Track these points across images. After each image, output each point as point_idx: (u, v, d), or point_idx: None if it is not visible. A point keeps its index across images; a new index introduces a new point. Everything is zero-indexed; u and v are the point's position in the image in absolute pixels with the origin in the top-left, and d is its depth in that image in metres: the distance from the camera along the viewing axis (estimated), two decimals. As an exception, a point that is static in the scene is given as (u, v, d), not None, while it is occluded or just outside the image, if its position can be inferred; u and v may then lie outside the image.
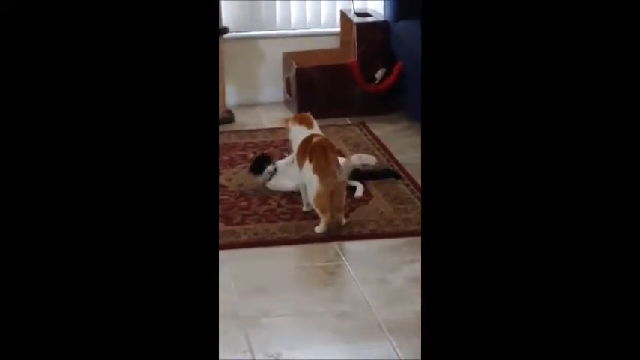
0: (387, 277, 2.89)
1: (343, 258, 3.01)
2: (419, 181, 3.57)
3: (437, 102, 1.57)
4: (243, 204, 3.42)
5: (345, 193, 3.19)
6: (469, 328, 1.55)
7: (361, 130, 4.22)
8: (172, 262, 1.55)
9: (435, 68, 1.57)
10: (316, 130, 3.28)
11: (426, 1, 1.59)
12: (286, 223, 3.25)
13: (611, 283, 1.52)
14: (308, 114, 3.38)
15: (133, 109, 1.56)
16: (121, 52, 1.56)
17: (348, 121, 4.31)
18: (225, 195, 3.48)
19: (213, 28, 1.62)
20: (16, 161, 1.55)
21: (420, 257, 2.90)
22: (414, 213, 3.31)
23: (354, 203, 3.40)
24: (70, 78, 1.56)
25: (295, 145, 3.28)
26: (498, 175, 1.55)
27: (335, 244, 3.10)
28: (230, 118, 4.36)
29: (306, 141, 3.22)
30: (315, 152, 3.14)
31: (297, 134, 3.28)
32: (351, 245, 3.11)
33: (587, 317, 1.53)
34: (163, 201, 1.56)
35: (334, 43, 4.66)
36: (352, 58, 4.37)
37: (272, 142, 4.06)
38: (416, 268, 2.92)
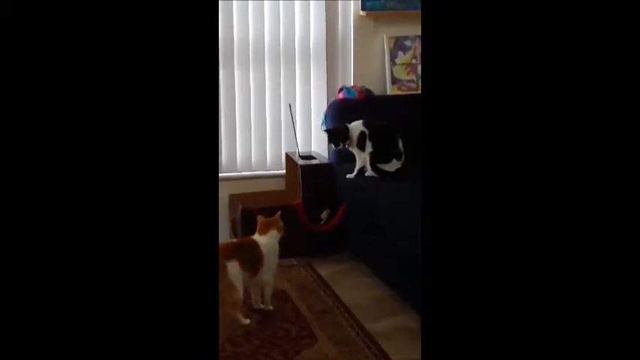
0: (331, 423, 2.84)
1: (287, 404, 2.96)
2: (364, 323, 3.57)
3: (435, 102, 1.61)
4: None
5: (232, 290, 3.44)
6: (470, 337, 1.55)
7: (307, 270, 4.23)
8: (171, 260, 1.57)
9: (435, 61, 1.62)
10: (257, 236, 3.67)
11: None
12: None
13: (611, 276, 1.52)
14: (266, 221, 3.72)
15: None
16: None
17: (294, 261, 4.32)
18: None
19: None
20: (15, 162, 1.56)
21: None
22: (360, 355, 3.29)
23: (297, 346, 3.37)
24: (63, 85, 1.58)
25: None
26: (498, 174, 1.57)
27: (279, 390, 3.06)
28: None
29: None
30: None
31: None
32: (295, 390, 3.06)
33: (586, 316, 1.52)
34: (161, 199, 1.58)
35: (280, 185, 4.74)
36: (297, 199, 4.43)
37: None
38: (361, 414, 2.89)
